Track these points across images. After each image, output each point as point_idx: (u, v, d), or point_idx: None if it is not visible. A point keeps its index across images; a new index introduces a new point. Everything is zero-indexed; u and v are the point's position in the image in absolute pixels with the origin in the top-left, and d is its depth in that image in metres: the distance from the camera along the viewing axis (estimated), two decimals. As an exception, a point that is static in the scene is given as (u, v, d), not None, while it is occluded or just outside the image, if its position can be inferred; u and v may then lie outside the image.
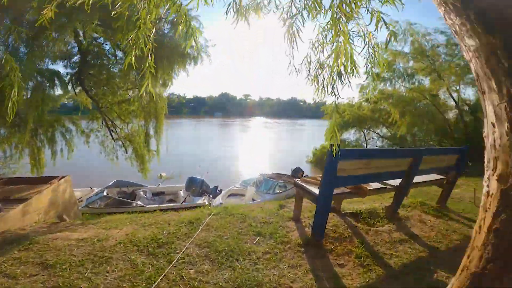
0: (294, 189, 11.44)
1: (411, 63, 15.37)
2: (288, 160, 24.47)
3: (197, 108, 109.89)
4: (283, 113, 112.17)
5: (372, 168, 3.52)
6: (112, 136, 9.42)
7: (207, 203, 10.91)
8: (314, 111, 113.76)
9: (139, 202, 10.44)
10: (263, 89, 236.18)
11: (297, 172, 14.65)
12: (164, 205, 10.33)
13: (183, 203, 10.59)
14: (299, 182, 4.12)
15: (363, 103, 18.53)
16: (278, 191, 12.20)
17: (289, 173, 15.02)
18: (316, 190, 3.64)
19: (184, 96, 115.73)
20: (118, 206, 9.73)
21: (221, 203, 10.52)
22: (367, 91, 18.12)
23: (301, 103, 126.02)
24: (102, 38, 8.13)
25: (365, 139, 19.33)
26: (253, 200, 11.43)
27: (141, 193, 11.48)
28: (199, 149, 29.54)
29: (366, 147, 19.23)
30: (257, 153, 28.67)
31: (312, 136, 47.39)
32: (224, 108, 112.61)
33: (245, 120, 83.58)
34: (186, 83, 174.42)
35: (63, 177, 6.54)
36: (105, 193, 10.45)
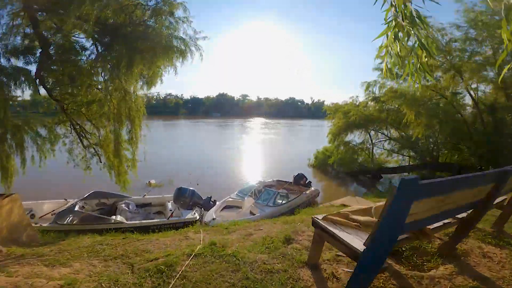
0: (297, 200, 10.09)
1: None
2: (288, 164, 23.10)
3: (195, 108, 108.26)
4: (282, 113, 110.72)
5: (447, 205, 2.15)
6: (82, 142, 7.96)
7: (198, 217, 9.52)
8: (313, 112, 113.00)
9: (119, 217, 9.08)
10: (261, 89, 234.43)
11: (300, 179, 13.31)
12: (147, 221, 8.94)
13: (170, 218, 9.18)
14: (321, 223, 2.71)
15: (369, 102, 17.20)
16: (280, 201, 10.82)
17: (291, 179, 13.64)
18: (356, 241, 2.25)
19: (182, 97, 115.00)
20: (93, 222, 8.34)
21: (214, 219, 9.11)
22: (373, 89, 16.82)
23: (299, 103, 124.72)
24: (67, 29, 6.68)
25: (371, 141, 17.97)
26: (251, 213, 10.05)
27: (123, 205, 10.09)
28: (194, 153, 28.13)
29: (372, 149, 17.89)
30: (256, 157, 27.19)
31: (313, 137, 46.17)
32: (222, 108, 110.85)
33: (243, 120, 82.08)
34: (184, 84, 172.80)
35: (7, 195, 5.12)
36: (77, 207, 9.00)
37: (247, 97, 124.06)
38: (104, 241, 4.58)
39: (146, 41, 7.18)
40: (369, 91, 17.01)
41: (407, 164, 18.36)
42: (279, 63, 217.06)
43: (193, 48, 8.51)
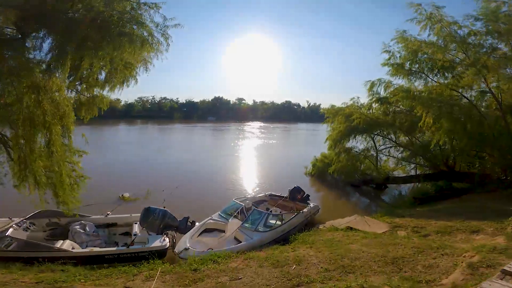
0: (293, 220, 8.10)
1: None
2: (284, 172, 21.11)
3: (190, 112, 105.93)
4: (278, 117, 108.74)
5: None
6: (8, 153, 5.95)
7: (167, 245, 7.61)
8: (309, 115, 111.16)
9: (67, 242, 7.37)
10: (257, 93, 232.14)
11: (297, 192, 11.34)
12: (99, 250, 7.26)
13: (131, 247, 7.34)
14: None
15: (373, 104, 15.34)
16: (273, 222, 8.83)
17: (286, 193, 11.65)
18: None
19: (177, 101, 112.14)
20: (28, 250, 6.85)
21: (186, 249, 7.11)
22: (377, 89, 15.00)
23: (296, 107, 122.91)
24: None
25: (376, 148, 16.07)
26: (236, 240, 8.05)
27: (77, 227, 8.26)
28: (182, 160, 26.08)
29: (377, 157, 15.99)
30: (249, 164, 25.04)
31: (309, 142, 44.27)
32: (217, 112, 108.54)
33: (239, 124, 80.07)
34: (180, 88, 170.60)
35: None
36: (9, 232, 7.28)
37: (243, 101, 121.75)
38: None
39: (102, 31, 5.33)
40: (373, 91, 15.19)
41: (416, 173, 16.55)
42: (274, 67, 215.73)
43: (159, 36, 6.70)
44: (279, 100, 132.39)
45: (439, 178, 13.59)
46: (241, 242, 7.78)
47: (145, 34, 6.42)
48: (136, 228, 8.34)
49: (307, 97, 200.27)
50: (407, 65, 11.78)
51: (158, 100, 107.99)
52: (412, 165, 16.22)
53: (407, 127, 13.96)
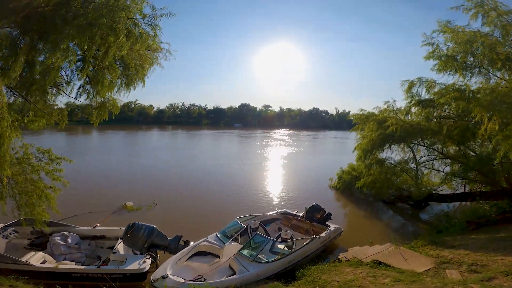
0: (306, 248, 5.97)
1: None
2: (308, 184, 19.08)
3: (217, 119, 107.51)
4: (305, 124, 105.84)
5: None
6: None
7: (146, 268, 6.50)
8: (337, 123, 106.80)
9: (36, 256, 6.83)
10: (283, 99, 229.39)
11: (315, 211, 9.47)
12: (64, 267, 6.54)
13: (101, 267, 6.48)
14: None
15: (412, 108, 12.92)
16: (279, 250, 7.11)
17: (303, 211, 9.84)
18: None
19: (205, 107, 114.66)
20: None
21: (164, 277, 5.75)
22: (417, 90, 12.60)
23: (323, 114, 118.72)
24: None
25: (415, 159, 13.53)
26: (231, 269, 6.49)
27: (58, 238, 7.61)
28: (201, 167, 25.24)
29: (417, 170, 13.44)
30: (272, 174, 23.12)
31: (337, 151, 41.38)
32: (244, 119, 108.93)
33: (264, 131, 78.80)
34: (208, 94, 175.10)
35: None
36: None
37: (269, 108, 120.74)
38: None
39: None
40: (412, 93, 12.77)
41: (465, 190, 13.66)
42: (300, 73, 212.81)
43: (147, 28, 5.82)
44: (305, 107, 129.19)
45: (498, 197, 10.82)
46: (235, 273, 6.20)
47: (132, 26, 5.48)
48: (119, 244, 7.24)
49: (335, 104, 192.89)
50: (458, 58, 9.48)
51: (187, 106, 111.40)
52: (459, 180, 13.42)
53: (457, 135, 11.35)
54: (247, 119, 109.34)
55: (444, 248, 7.76)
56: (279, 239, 8.25)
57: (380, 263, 6.95)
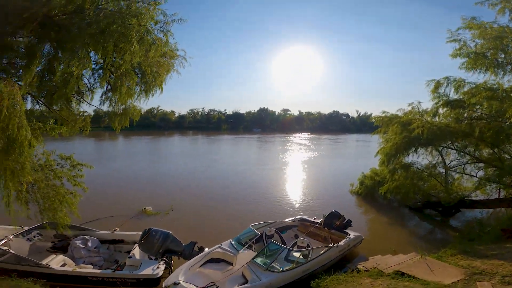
0: (323, 257, 5.64)
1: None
2: (328, 189, 18.49)
3: (236, 123, 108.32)
4: (325, 127, 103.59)
5: None
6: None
7: (160, 274, 6.56)
8: (358, 126, 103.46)
9: (56, 259, 7.06)
10: (302, 103, 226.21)
11: (334, 218, 9.10)
12: (80, 271, 6.67)
13: (117, 271, 6.57)
14: None
15: (440, 109, 12.09)
16: (294, 258, 6.84)
17: (322, 218, 9.46)
18: None
19: (225, 112, 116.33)
20: (16, 263, 6.69)
21: (176, 283, 5.71)
22: (445, 90, 11.83)
23: (344, 117, 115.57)
24: None
25: (444, 163, 12.62)
26: (243, 278, 6.33)
27: (79, 242, 7.89)
28: (221, 173, 25.34)
29: (446, 175, 12.53)
30: (290, 180, 22.67)
31: (358, 155, 39.95)
32: (262, 123, 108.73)
33: (284, 136, 78.15)
34: (228, 99, 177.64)
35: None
36: (10, 241, 7.44)
37: (288, 112, 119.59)
38: None
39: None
40: (439, 93, 11.98)
41: (500, 196, 12.50)
42: (318, 75, 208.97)
43: (159, 34, 5.82)
44: (325, 110, 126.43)
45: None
46: (247, 281, 6.03)
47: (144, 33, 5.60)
48: (135, 249, 7.37)
49: (355, 107, 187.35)
50: (488, 55, 8.76)
51: (207, 112, 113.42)
52: (493, 185, 12.32)
53: (491, 138, 10.43)
54: (266, 123, 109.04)
55: (476, 258, 7.11)
56: (295, 247, 7.99)
57: (403, 274, 6.47)
